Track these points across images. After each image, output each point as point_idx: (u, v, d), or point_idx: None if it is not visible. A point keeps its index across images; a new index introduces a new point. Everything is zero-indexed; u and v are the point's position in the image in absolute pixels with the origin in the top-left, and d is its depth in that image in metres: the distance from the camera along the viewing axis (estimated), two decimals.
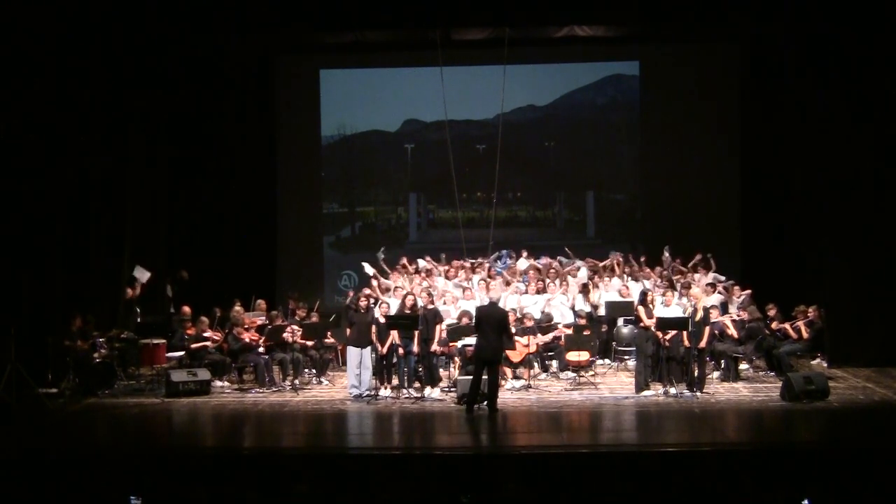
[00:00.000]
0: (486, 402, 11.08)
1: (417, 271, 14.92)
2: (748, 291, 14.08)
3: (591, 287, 14.41)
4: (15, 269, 12.85)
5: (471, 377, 11.24)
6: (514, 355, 12.67)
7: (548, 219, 18.75)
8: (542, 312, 13.77)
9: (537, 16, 14.98)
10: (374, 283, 14.32)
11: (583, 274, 14.61)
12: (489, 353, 11.13)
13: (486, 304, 11.75)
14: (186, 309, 13.83)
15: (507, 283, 14.16)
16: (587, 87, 18.47)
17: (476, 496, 8.52)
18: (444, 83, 15.42)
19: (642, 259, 15.41)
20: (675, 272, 14.77)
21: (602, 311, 14.10)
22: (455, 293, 13.88)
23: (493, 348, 11.16)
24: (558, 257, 15.49)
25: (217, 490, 8.82)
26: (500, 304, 13.09)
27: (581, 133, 18.53)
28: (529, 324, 13.01)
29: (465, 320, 12.53)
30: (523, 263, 15.40)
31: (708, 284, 14.02)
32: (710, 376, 12.62)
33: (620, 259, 15.07)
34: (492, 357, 11.15)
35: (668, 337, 12.07)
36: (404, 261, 15.16)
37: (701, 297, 12.66)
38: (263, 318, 13.67)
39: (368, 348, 12.31)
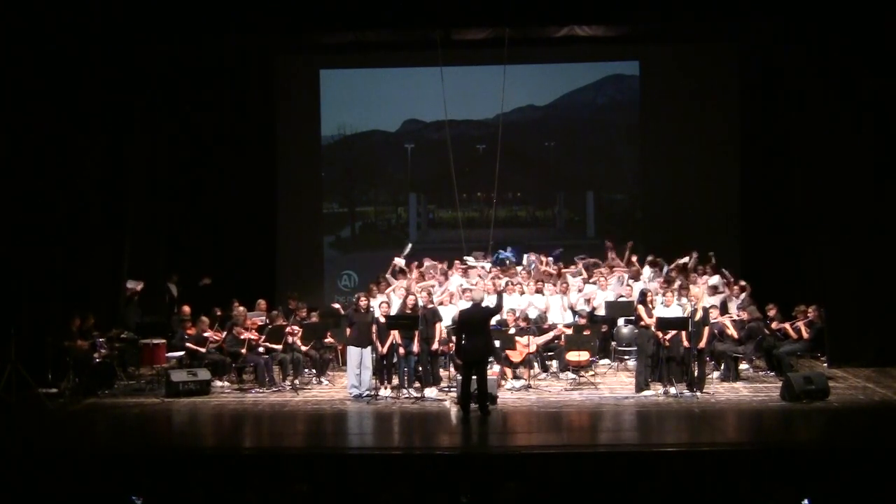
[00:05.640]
0: (478, 405, 11.07)
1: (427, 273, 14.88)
2: (747, 290, 14.05)
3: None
4: (14, 269, 12.85)
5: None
6: (515, 355, 12.68)
7: (548, 219, 18.75)
8: (541, 312, 13.78)
9: (537, 16, 14.97)
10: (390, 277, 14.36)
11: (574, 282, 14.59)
12: (477, 354, 11.13)
13: (469, 306, 11.70)
14: (186, 309, 13.84)
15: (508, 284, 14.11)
16: (587, 87, 18.47)
17: (476, 496, 8.51)
18: (444, 83, 15.43)
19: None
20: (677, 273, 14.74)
21: (602, 311, 14.09)
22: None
23: (480, 350, 11.17)
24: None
25: (217, 490, 8.82)
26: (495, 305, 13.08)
27: (581, 133, 18.52)
28: (524, 324, 13.03)
29: None
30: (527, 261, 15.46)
31: (711, 286, 13.98)
32: (710, 376, 12.61)
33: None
34: (480, 358, 11.15)
35: (668, 337, 12.07)
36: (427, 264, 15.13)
37: (701, 298, 12.66)
38: (263, 318, 13.67)
39: (368, 348, 12.30)
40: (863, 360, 13.68)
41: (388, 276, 14.52)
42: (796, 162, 15.71)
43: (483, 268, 14.83)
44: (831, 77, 13.82)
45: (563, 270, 14.95)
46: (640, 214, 18.34)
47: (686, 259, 14.83)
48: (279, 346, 12.93)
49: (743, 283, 14.14)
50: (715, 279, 14.35)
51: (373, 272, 15.23)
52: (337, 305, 14.57)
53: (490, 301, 12.44)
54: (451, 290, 13.90)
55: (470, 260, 15.16)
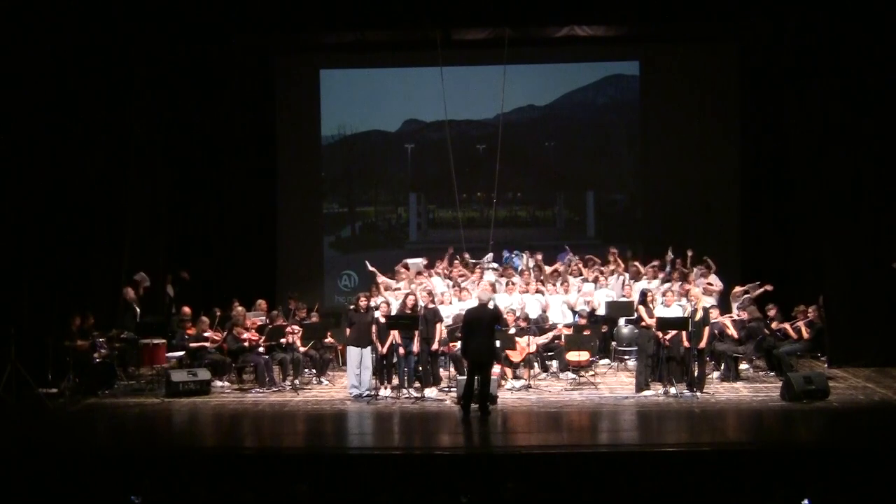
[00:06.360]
0: (478, 405, 11.06)
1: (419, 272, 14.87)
2: (759, 289, 14.03)
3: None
4: (15, 270, 12.85)
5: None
6: (515, 355, 12.68)
7: (548, 219, 18.74)
8: (542, 311, 13.79)
9: (537, 16, 14.99)
10: (379, 279, 14.32)
11: (489, 277, 14.47)
12: (482, 356, 11.09)
13: (474, 306, 11.69)
14: (186, 309, 13.84)
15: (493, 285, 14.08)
16: (587, 87, 18.47)
17: (476, 496, 8.52)
18: (444, 83, 15.43)
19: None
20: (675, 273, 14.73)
21: (602, 311, 14.09)
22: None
23: (485, 350, 11.14)
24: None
25: (217, 490, 8.82)
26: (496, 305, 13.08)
27: (581, 133, 18.52)
28: (524, 324, 13.03)
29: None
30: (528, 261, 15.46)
31: (707, 284, 13.99)
32: (710, 376, 12.62)
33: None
34: (486, 359, 11.13)
35: (668, 337, 12.07)
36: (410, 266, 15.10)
37: (701, 297, 12.66)
38: (263, 318, 13.67)
39: (368, 348, 12.30)
40: (863, 360, 13.68)
41: (382, 278, 14.53)
42: (796, 162, 15.72)
43: (485, 268, 14.85)
44: (831, 77, 13.82)
45: (565, 267, 14.98)
46: (640, 214, 18.34)
47: (669, 256, 14.81)
48: (283, 340, 12.90)
49: (768, 286, 13.95)
50: (712, 277, 14.35)
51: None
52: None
53: (497, 302, 12.45)
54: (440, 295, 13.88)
55: (487, 258, 15.20)
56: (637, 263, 15.01)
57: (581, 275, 14.86)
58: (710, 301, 13.27)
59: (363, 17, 14.61)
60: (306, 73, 18.40)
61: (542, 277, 14.63)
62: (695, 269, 14.47)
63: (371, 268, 14.62)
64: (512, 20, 15.03)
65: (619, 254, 15.37)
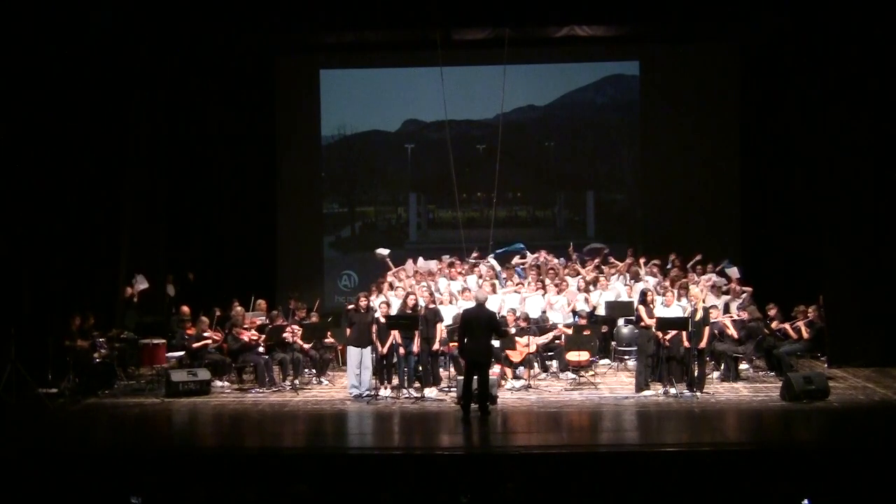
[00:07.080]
0: (478, 405, 11.05)
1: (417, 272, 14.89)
2: (749, 290, 14.07)
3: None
4: (15, 270, 12.85)
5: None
6: (515, 355, 12.68)
7: (548, 219, 18.75)
8: (542, 311, 13.79)
9: (537, 16, 14.99)
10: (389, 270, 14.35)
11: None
12: (479, 355, 11.09)
13: (472, 306, 11.68)
14: (186, 309, 13.83)
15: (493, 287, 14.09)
16: (587, 87, 18.48)
17: (476, 496, 8.52)
18: (444, 83, 15.44)
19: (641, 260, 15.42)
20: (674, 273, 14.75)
21: (601, 311, 14.08)
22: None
23: (482, 351, 11.13)
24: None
25: (217, 490, 8.82)
26: (498, 305, 13.09)
27: (581, 133, 18.53)
28: (524, 324, 13.03)
29: None
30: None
31: (715, 286, 14.01)
32: (710, 376, 12.62)
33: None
34: (483, 360, 11.11)
35: (668, 337, 12.06)
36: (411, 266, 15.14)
37: (701, 297, 12.66)
38: (263, 318, 13.67)
39: (368, 348, 12.30)
40: (863, 360, 13.67)
41: (392, 273, 14.54)
42: (796, 162, 15.74)
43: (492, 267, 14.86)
44: (831, 76, 13.81)
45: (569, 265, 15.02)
46: (640, 214, 18.34)
47: (697, 258, 14.94)
48: (285, 335, 12.88)
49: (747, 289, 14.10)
50: (719, 279, 14.37)
51: (373, 272, 15.25)
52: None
53: (493, 302, 12.43)
54: (451, 291, 13.90)
55: (492, 260, 15.20)
56: (641, 261, 15.05)
57: (578, 274, 14.85)
58: (712, 301, 13.28)
59: (363, 17, 14.61)
60: (306, 73, 18.41)
61: (541, 277, 14.62)
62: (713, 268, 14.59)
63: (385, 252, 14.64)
64: (512, 20, 15.02)
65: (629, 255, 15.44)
